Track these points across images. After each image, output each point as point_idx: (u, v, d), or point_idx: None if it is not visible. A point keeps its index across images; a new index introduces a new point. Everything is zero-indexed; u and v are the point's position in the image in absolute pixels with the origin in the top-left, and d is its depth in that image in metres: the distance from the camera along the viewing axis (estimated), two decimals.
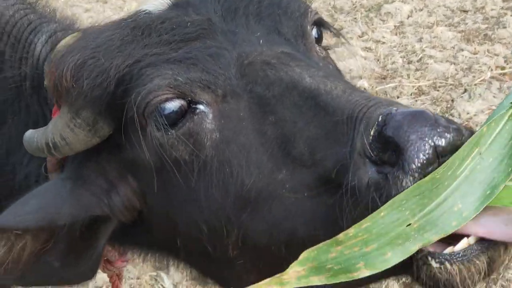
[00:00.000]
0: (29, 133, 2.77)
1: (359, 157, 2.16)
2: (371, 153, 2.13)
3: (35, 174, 2.98)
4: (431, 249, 2.09)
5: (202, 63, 2.47)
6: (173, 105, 2.44)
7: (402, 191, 2.06)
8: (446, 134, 2.09)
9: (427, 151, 2.07)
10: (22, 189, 2.77)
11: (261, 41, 2.54)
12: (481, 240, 2.10)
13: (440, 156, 2.08)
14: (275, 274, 2.13)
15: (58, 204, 2.61)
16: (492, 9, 8.98)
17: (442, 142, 2.08)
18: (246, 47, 2.51)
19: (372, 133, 2.15)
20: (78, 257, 2.72)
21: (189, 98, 2.44)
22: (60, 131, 2.61)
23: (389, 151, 2.11)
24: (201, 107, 2.45)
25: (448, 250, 2.09)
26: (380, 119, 2.14)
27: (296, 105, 2.38)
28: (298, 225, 2.34)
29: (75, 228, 2.62)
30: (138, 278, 5.68)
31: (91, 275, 2.79)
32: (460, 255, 2.08)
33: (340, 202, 2.19)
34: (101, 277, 5.24)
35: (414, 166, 2.06)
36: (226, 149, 2.43)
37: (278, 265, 2.17)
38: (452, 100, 7.39)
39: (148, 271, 5.69)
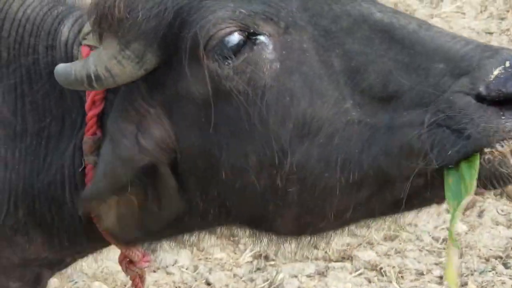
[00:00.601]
0: (63, 66, 2.75)
1: (465, 98, 2.35)
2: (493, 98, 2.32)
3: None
4: None
5: None
6: (235, 37, 2.52)
7: None
8: None
9: None
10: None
11: None
12: None
13: None
14: (316, 207, 2.57)
15: (113, 166, 2.73)
16: None
17: None
18: None
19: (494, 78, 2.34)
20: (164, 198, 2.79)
21: (251, 30, 2.52)
22: (106, 63, 2.63)
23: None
24: (261, 38, 2.53)
25: None
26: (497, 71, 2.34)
27: (367, 38, 2.50)
28: (358, 154, 2.48)
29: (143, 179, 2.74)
30: None
31: (174, 210, 2.81)
32: None
33: (421, 137, 2.38)
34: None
35: None
36: (288, 79, 2.52)
37: (322, 199, 2.55)
38: None
39: None
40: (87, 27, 2.84)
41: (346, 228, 2.79)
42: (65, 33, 2.96)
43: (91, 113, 2.85)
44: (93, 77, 2.65)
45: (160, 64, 2.64)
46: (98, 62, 2.64)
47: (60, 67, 2.75)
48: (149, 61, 2.62)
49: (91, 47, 2.78)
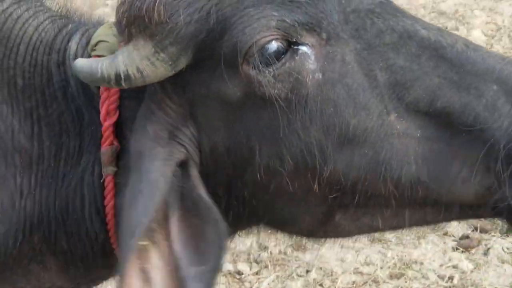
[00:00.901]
0: (86, 62, 2.75)
1: None
2: None
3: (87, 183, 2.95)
4: None
5: (305, 6, 2.57)
6: (276, 45, 2.55)
7: None
8: None
9: None
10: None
11: None
12: None
13: None
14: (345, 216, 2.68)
15: (148, 179, 2.64)
16: None
17: None
18: None
19: None
20: (201, 230, 2.69)
21: (294, 40, 2.56)
22: (138, 64, 2.63)
23: None
24: (303, 48, 2.58)
25: None
26: None
27: (413, 54, 2.57)
28: (405, 166, 2.56)
29: (176, 195, 2.68)
30: None
31: (222, 230, 2.69)
32: None
33: (473, 150, 2.52)
34: None
35: None
36: (331, 90, 2.58)
37: (355, 207, 2.66)
38: None
39: None
40: (94, 39, 2.89)
41: (368, 234, 2.89)
42: (73, 48, 2.98)
43: (107, 123, 2.86)
44: (122, 76, 2.66)
45: (190, 65, 2.67)
46: (129, 62, 2.65)
47: (83, 62, 2.75)
48: (181, 64, 2.65)
49: (102, 57, 2.79)
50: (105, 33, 2.90)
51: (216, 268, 2.68)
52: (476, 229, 6.31)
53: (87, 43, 2.95)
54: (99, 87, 2.88)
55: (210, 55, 2.64)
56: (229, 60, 2.61)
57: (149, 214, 2.61)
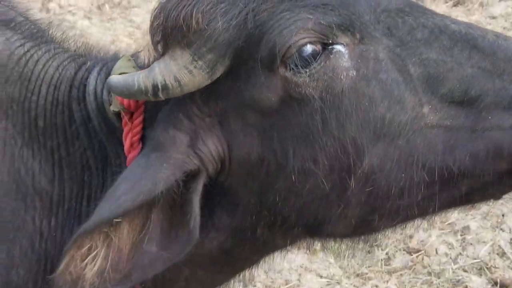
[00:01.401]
0: (120, 77, 2.77)
1: None
2: None
3: None
4: None
5: (338, 9, 2.66)
6: (312, 46, 2.63)
7: None
8: None
9: None
10: None
11: None
12: None
13: None
14: (382, 206, 2.73)
15: (150, 174, 2.69)
16: None
17: None
18: None
19: None
20: (176, 228, 2.76)
21: (329, 41, 2.64)
22: (175, 73, 2.68)
23: None
24: (338, 47, 2.66)
25: None
26: None
27: (445, 47, 2.68)
28: (440, 155, 2.66)
29: (170, 195, 2.72)
30: None
31: (192, 239, 2.75)
32: None
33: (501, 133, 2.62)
34: None
35: None
36: (366, 85, 2.66)
37: (392, 198, 2.72)
38: None
39: None
40: (115, 72, 2.90)
41: (401, 226, 2.94)
42: (92, 83, 3.01)
43: (131, 156, 2.87)
44: (160, 86, 2.70)
45: (225, 74, 2.72)
46: (166, 72, 2.69)
47: (118, 77, 2.79)
48: (218, 72, 2.70)
49: None
50: (125, 65, 2.93)
51: (173, 260, 2.75)
52: (496, 283, 6.22)
53: (106, 77, 2.97)
54: (121, 121, 2.90)
55: (246, 61, 2.70)
56: (266, 64, 2.67)
57: (136, 203, 2.65)
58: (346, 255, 5.85)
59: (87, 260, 2.65)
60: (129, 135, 2.88)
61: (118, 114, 2.95)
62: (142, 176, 2.69)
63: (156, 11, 2.77)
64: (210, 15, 2.66)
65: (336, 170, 2.71)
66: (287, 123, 2.70)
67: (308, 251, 5.79)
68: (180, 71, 2.68)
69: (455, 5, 9.32)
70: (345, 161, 2.69)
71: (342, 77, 2.65)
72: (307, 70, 2.63)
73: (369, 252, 6.04)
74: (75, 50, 3.20)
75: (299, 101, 2.67)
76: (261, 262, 3.18)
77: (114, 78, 2.78)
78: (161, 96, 2.71)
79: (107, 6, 9.43)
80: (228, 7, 2.67)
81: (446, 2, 9.31)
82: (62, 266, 2.63)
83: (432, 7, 8.31)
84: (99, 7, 9.41)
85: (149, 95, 2.72)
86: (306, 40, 2.63)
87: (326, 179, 2.72)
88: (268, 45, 2.65)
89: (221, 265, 3.08)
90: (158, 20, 2.75)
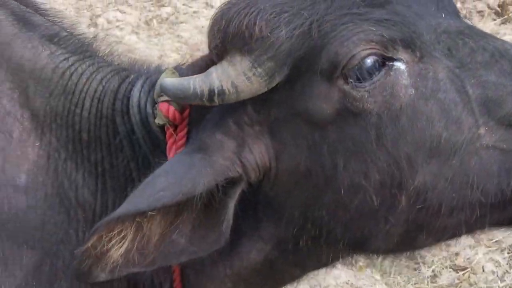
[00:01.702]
0: (175, 80, 2.79)
1: None
2: None
3: None
4: None
5: (400, 26, 2.67)
6: (373, 60, 2.64)
7: None
8: None
9: None
10: None
11: (442, 14, 2.78)
12: None
13: None
14: (430, 224, 2.72)
15: (192, 175, 2.70)
16: None
17: None
18: (432, 18, 2.74)
19: None
20: (208, 227, 2.78)
21: (390, 55, 2.65)
22: (233, 79, 2.70)
23: None
24: (398, 64, 2.66)
25: None
26: None
27: (506, 71, 2.68)
28: (495, 176, 2.66)
29: (207, 197, 2.73)
30: None
31: (221, 241, 2.79)
32: None
33: None
34: None
35: None
36: (424, 104, 2.66)
37: (441, 216, 2.71)
38: None
39: None
40: (159, 85, 2.90)
41: (446, 243, 2.95)
42: (136, 95, 3.02)
43: None
44: (216, 91, 2.71)
45: (281, 83, 2.72)
46: (224, 77, 2.71)
47: (173, 80, 2.80)
48: (275, 80, 2.70)
49: (169, 102, 2.88)
50: (170, 78, 2.91)
51: (198, 255, 2.80)
52: None
53: (150, 90, 3.00)
54: (165, 134, 2.92)
55: (304, 72, 2.70)
56: (325, 75, 2.67)
57: (174, 201, 2.68)
58: (392, 272, 5.85)
59: (114, 241, 2.68)
60: (174, 147, 2.89)
61: (162, 127, 2.96)
62: (184, 175, 2.70)
63: (217, 16, 2.79)
64: (273, 24, 2.67)
65: (387, 186, 2.70)
66: (340, 136, 2.71)
67: (354, 268, 5.75)
68: (238, 77, 2.69)
69: (503, 22, 9.22)
70: (397, 177, 2.68)
71: (401, 94, 2.66)
72: (366, 85, 2.64)
73: (415, 269, 5.99)
74: (118, 64, 3.22)
75: (355, 115, 2.67)
76: (305, 278, 3.15)
77: (168, 81, 2.80)
78: (216, 101, 2.72)
79: (154, 21, 9.49)
80: (291, 17, 2.68)
81: (494, 20, 9.21)
82: (88, 243, 2.66)
83: (480, 24, 8.29)
84: (146, 23, 9.48)
85: (204, 99, 2.73)
86: (367, 52, 2.63)
87: (376, 195, 2.71)
88: (329, 55, 2.65)
89: (264, 278, 3.06)
90: (219, 25, 2.77)
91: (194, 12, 9.66)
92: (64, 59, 3.08)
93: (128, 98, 3.03)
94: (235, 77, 2.69)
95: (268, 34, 2.66)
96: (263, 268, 3.00)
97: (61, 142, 3.02)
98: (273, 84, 2.70)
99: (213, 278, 3.02)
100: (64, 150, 3.02)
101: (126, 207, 2.68)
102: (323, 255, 2.98)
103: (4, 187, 2.95)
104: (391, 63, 2.66)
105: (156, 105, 2.94)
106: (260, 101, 2.76)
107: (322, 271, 3.14)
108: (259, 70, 2.68)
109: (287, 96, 2.74)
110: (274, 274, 3.06)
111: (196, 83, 2.73)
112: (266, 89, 2.71)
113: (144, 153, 2.99)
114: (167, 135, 2.92)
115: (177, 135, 2.90)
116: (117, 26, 9.36)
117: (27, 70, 3.02)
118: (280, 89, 2.73)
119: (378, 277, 6.08)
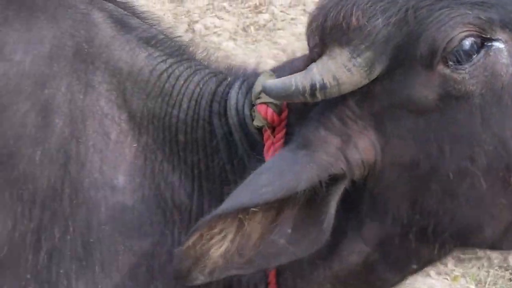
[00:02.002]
0: (277, 81, 2.80)
1: None
2: None
3: None
4: None
5: (496, 7, 2.67)
6: (472, 41, 2.64)
7: None
8: None
9: None
10: None
11: None
12: None
13: None
14: None
15: (295, 170, 2.70)
16: None
17: None
18: None
19: None
20: (308, 226, 2.77)
21: (488, 36, 2.65)
22: (334, 72, 2.70)
23: None
24: (497, 44, 2.67)
25: None
26: None
27: None
28: None
29: (309, 193, 2.71)
30: None
31: (322, 240, 2.77)
32: None
33: None
34: None
35: None
36: None
37: None
38: None
39: None
40: (257, 88, 2.94)
41: None
42: (233, 97, 3.04)
43: None
44: (317, 86, 2.71)
45: (381, 74, 2.72)
46: (324, 71, 2.72)
47: (273, 81, 2.82)
48: (375, 70, 2.71)
49: (268, 104, 2.91)
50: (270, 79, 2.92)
51: (298, 256, 2.77)
52: None
53: (247, 92, 3.02)
54: (262, 136, 2.93)
55: (403, 60, 2.70)
56: (424, 61, 2.67)
57: (277, 197, 2.67)
58: (488, 282, 5.71)
59: (215, 240, 2.68)
60: (271, 149, 2.90)
61: (259, 129, 2.97)
62: (287, 171, 2.71)
63: (314, 12, 2.82)
64: (370, 12, 2.69)
65: (495, 168, 2.68)
66: (444, 121, 2.70)
67: (448, 277, 5.66)
68: (338, 70, 2.70)
69: None
70: (505, 158, 2.67)
71: (502, 73, 2.65)
72: (466, 67, 2.64)
73: (510, 280, 5.82)
74: (215, 67, 3.24)
75: (458, 98, 2.67)
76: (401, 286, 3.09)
77: (270, 81, 2.82)
78: (318, 95, 2.72)
79: (252, 28, 9.53)
80: (387, 5, 2.69)
81: None
82: (189, 242, 2.67)
83: None
84: (244, 29, 9.53)
85: (306, 95, 2.73)
86: (465, 34, 2.63)
87: (484, 178, 2.69)
88: (427, 41, 2.65)
89: (361, 282, 3.03)
90: (317, 21, 2.79)
91: (292, 19, 9.66)
92: (162, 61, 3.10)
93: (226, 100, 3.04)
94: (336, 69, 2.70)
95: (365, 23, 2.68)
96: (362, 271, 2.96)
97: (158, 144, 3.04)
98: (374, 75, 2.70)
99: (311, 280, 3.00)
100: (161, 152, 3.04)
101: (229, 203, 2.68)
102: (425, 253, 2.92)
103: (102, 188, 2.99)
104: (490, 43, 2.66)
105: (253, 108, 2.96)
106: (361, 95, 2.75)
107: (418, 281, 3.07)
108: (359, 60, 2.68)
109: (388, 87, 2.73)
110: (372, 279, 3.01)
111: (298, 80, 2.74)
112: (367, 81, 2.71)
113: (241, 156, 2.99)
114: (264, 137, 2.94)
115: (274, 137, 2.91)
116: (214, 32, 9.43)
117: (125, 72, 3.06)
118: (380, 81, 2.72)
119: (473, 286, 5.95)
